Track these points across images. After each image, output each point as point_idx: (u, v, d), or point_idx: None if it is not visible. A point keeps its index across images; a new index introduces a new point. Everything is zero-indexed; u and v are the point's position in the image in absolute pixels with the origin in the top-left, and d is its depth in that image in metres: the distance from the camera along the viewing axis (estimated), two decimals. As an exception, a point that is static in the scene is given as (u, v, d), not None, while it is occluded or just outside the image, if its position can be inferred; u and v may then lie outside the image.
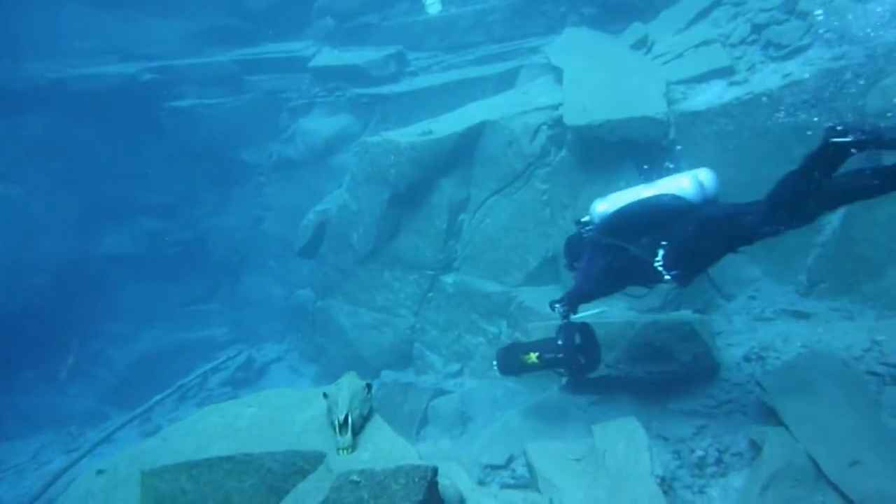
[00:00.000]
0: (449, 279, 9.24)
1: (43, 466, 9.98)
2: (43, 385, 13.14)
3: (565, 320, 5.09)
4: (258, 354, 13.18)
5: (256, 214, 14.49)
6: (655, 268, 4.41)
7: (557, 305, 5.12)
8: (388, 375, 9.45)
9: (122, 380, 13.70)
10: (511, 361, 5.34)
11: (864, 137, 3.48)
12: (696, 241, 4.34)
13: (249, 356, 12.78)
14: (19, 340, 12.52)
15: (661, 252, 4.41)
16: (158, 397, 11.11)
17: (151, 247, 14.68)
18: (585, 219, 5.04)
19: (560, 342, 4.99)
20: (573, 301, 5.10)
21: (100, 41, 14.02)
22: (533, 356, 5.12)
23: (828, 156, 3.69)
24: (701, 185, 4.52)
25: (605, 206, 4.82)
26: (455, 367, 9.17)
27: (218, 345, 14.12)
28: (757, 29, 8.13)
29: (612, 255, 4.74)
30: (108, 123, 13.57)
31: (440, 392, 8.70)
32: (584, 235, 5.00)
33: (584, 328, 5.14)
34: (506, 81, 11.11)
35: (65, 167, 13.75)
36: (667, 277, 4.40)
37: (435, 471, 2.79)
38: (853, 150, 3.55)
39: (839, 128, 3.57)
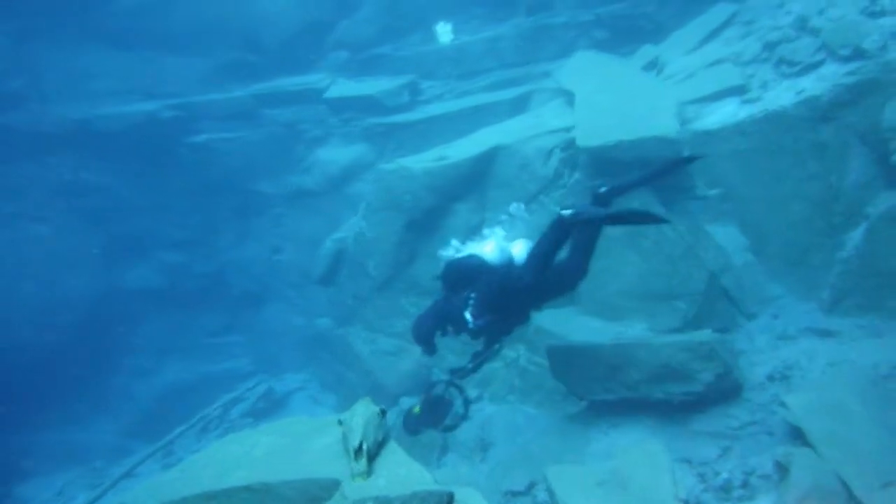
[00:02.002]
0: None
1: (68, 503, 10.02)
2: (68, 421, 13.26)
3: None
4: (279, 384, 13.19)
5: (275, 245, 14.62)
6: (465, 316, 5.09)
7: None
8: (406, 402, 9.38)
9: (145, 413, 13.75)
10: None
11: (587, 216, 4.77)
12: (495, 297, 5.05)
13: (270, 387, 12.80)
14: (46, 377, 12.70)
15: (470, 303, 5.09)
16: (180, 429, 11.14)
17: (173, 280, 14.86)
18: None
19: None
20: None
21: (121, 81, 14.38)
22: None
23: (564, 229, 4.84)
24: (502, 250, 5.31)
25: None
26: (474, 392, 9.08)
27: (240, 376, 14.14)
28: (769, 46, 8.12)
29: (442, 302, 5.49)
30: (130, 161, 13.88)
31: (460, 418, 8.60)
32: None
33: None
34: (518, 106, 11.20)
35: (89, 205, 14.05)
36: (471, 326, 5.11)
37: (451, 496, 2.76)
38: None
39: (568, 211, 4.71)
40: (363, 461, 2.90)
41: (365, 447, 2.93)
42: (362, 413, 3.11)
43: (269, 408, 12.28)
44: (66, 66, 13.87)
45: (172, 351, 14.57)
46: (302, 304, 13.85)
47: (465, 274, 5.27)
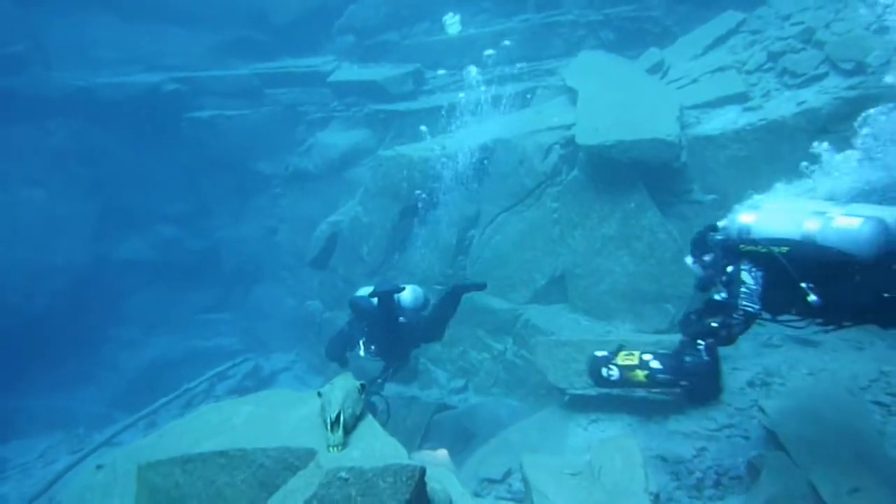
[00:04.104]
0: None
1: (48, 465, 10.06)
2: (55, 388, 13.27)
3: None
4: (266, 363, 13.23)
5: (271, 225, 14.63)
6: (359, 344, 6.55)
7: None
8: (391, 388, 9.42)
9: (131, 385, 13.79)
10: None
11: None
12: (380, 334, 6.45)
13: (257, 365, 12.84)
14: (35, 342, 12.70)
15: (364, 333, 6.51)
16: (164, 400, 11.18)
17: (167, 254, 14.88)
18: None
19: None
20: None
21: (126, 51, 14.37)
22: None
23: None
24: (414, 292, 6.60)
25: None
26: (460, 382, 9.15)
27: (228, 353, 14.17)
28: (773, 57, 8.16)
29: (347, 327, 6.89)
30: (130, 131, 13.89)
31: (444, 407, 8.67)
32: None
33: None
34: (522, 101, 11.19)
35: (87, 173, 14.06)
36: (362, 354, 6.52)
37: (423, 471, 2.80)
38: None
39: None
40: (339, 433, 2.93)
41: (342, 419, 2.97)
42: (342, 386, 3.14)
43: (256, 386, 12.31)
44: (70, 33, 13.85)
45: (161, 324, 14.61)
46: (294, 286, 13.87)
47: (357, 312, 6.62)
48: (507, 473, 5.42)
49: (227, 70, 14.41)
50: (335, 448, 2.89)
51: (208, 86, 14.28)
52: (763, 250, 3.61)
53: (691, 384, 4.42)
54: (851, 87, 6.86)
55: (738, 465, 4.63)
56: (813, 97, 7.15)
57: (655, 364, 4.47)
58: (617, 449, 4.21)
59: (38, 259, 13.35)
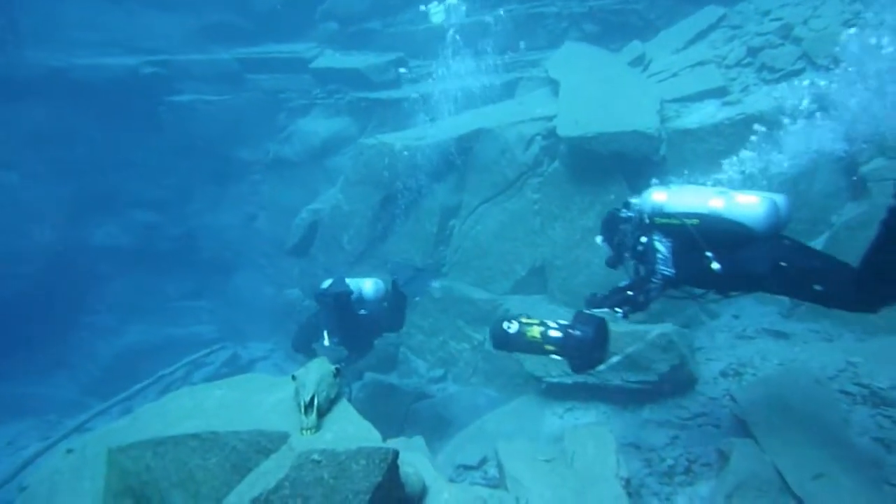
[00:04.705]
0: (436, 284, 9.26)
1: (18, 452, 9.91)
2: (26, 374, 13.06)
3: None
4: (244, 352, 13.13)
5: (250, 212, 14.50)
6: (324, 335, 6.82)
7: None
8: (371, 377, 9.43)
9: (105, 372, 13.61)
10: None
11: None
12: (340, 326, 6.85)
13: (235, 353, 12.74)
14: (5, 328, 12.47)
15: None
16: (139, 386, 11.06)
17: (143, 240, 14.67)
18: None
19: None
20: None
21: (103, 33, 14.08)
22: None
23: None
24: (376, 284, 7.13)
25: None
26: (439, 372, 9.17)
27: (205, 342, 14.02)
28: (752, 52, 8.26)
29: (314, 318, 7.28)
30: (107, 115, 13.61)
31: (422, 396, 8.68)
32: None
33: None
34: (505, 93, 11.20)
35: (61, 156, 13.77)
36: (326, 344, 6.78)
37: (396, 454, 2.81)
38: None
39: None
40: (313, 416, 2.93)
41: (316, 402, 2.96)
42: (317, 370, 3.14)
43: (233, 374, 12.15)
44: (44, 13, 13.52)
45: (137, 311, 14.41)
46: (273, 274, 13.78)
47: (320, 304, 6.95)
48: (483, 460, 5.47)
49: (207, 54, 14.20)
50: (309, 431, 2.89)
51: (188, 70, 14.07)
52: (676, 222, 4.07)
53: (571, 355, 4.49)
54: (828, 83, 6.94)
55: (709, 452, 4.70)
56: (790, 92, 7.23)
57: (553, 330, 4.50)
58: (590, 435, 4.27)
59: (9, 243, 13.06)
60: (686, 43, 9.47)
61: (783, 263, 3.76)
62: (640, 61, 9.80)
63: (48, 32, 13.68)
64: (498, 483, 4.66)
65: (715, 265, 3.89)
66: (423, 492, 3.23)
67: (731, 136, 7.37)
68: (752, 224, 3.86)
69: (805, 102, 5.91)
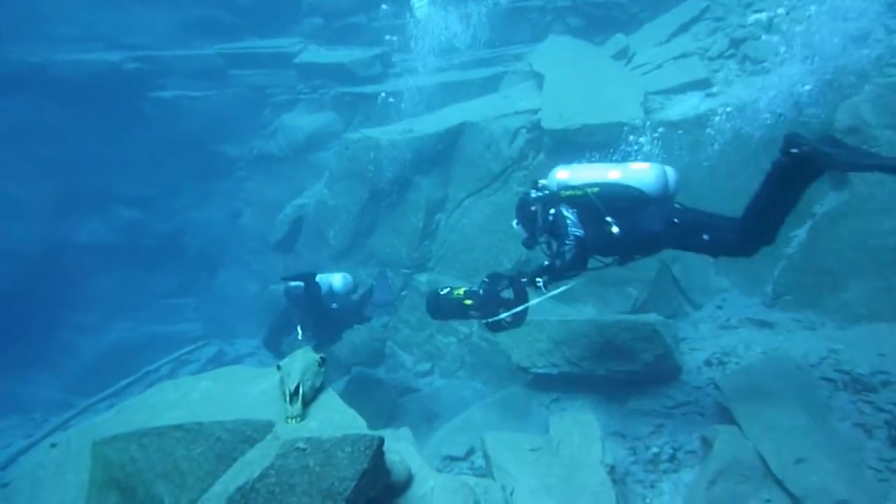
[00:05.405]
0: (423, 278, 9.27)
1: (2, 450, 9.79)
2: (9, 372, 12.91)
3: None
4: (230, 349, 13.04)
5: (235, 209, 14.40)
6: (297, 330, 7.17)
7: None
8: (358, 371, 9.42)
9: (89, 370, 13.48)
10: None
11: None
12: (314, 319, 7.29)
13: (221, 349, 12.65)
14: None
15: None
16: (124, 382, 10.97)
17: (127, 237, 14.52)
18: None
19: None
20: None
21: (84, 28, 13.88)
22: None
23: None
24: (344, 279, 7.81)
25: None
26: (426, 366, 9.17)
27: (191, 339, 13.90)
28: (735, 43, 8.32)
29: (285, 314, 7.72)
30: (89, 111, 13.43)
31: (409, 390, 8.68)
32: None
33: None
34: (489, 86, 11.20)
35: (43, 153, 13.57)
36: (300, 338, 7.04)
37: (381, 441, 2.81)
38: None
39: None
40: (298, 404, 2.93)
41: (301, 391, 2.96)
42: (302, 359, 3.13)
43: (219, 371, 12.15)
44: (24, 7, 13.30)
45: (122, 309, 14.29)
46: (258, 270, 13.70)
47: (291, 300, 7.32)
48: (470, 451, 5.49)
49: (190, 50, 14.06)
50: (294, 420, 2.89)
51: (171, 65, 13.92)
52: (580, 193, 4.50)
53: (485, 307, 4.96)
54: (808, 74, 7.02)
55: (694, 440, 4.76)
56: (771, 83, 7.30)
57: (474, 289, 5.07)
58: (575, 423, 4.29)
59: (-8, 241, 12.94)
60: (669, 35, 9.52)
61: (675, 220, 4.25)
62: (624, 54, 9.84)
63: (28, 28, 13.46)
64: (485, 473, 4.68)
65: (615, 229, 4.32)
66: (410, 479, 3.24)
67: (714, 127, 7.44)
68: (644, 187, 4.31)
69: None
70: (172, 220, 14.86)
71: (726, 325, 6.88)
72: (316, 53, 13.39)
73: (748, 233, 3.97)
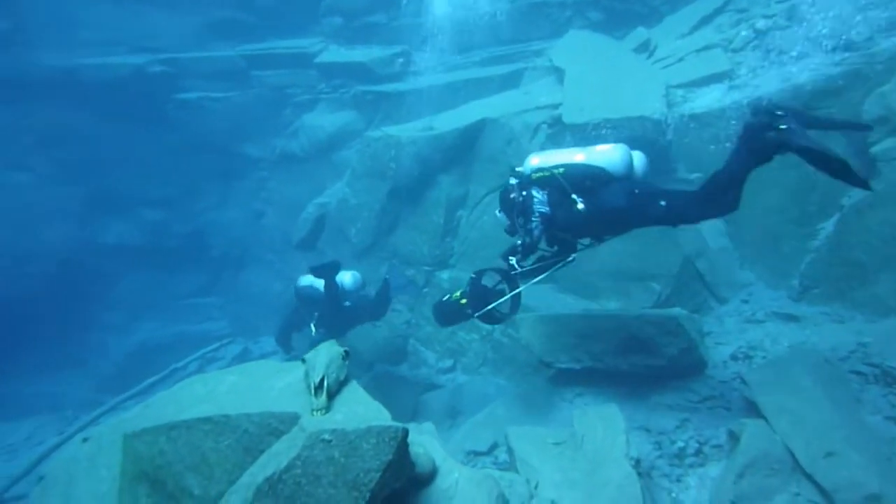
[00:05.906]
0: (445, 275, 9.28)
1: (36, 446, 10.04)
2: (41, 372, 13.21)
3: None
4: (255, 347, 13.21)
5: (258, 209, 14.56)
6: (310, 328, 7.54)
7: None
8: (380, 368, 9.48)
9: (119, 369, 13.71)
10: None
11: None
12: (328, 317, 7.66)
13: (246, 347, 12.82)
14: (20, 327, 12.61)
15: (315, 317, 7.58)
16: (152, 380, 11.17)
17: (153, 238, 14.77)
18: None
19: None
20: None
21: (110, 32, 14.13)
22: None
23: None
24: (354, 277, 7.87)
25: None
26: (448, 362, 9.18)
27: (216, 338, 14.13)
28: (759, 34, 8.19)
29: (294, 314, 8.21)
30: (115, 114, 13.68)
31: (432, 386, 8.71)
32: None
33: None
34: (510, 83, 11.17)
35: (71, 156, 13.87)
36: (314, 335, 7.37)
37: (405, 432, 2.82)
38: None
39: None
40: (323, 397, 2.96)
41: (326, 384, 2.99)
42: (326, 352, 3.16)
43: (244, 368, 12.30)
44: (52, 13, 13.58)
45: (148, 309, 14.53)
46: (282, 269, 13.84)
47: (306, 300, 7.69)
48: (493, 446, 5.49)
49: (212, 52, 14.24)
50: (319, 412, 2.91)
51: (194, 68, 14.11)
52: (547, 174, 4.84)
53: (475, 300, 5.18)
54: (836, 64, 6.89)
55: (720, 434, 4.71)
56: (797, 74, 7.18)
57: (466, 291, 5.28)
58: (599, 417, 4.27)
59: (23, 243, 13.21)
60: (691, 28, 9.40)
61: (636, 191, 4.54)
62: (645, 48, 9.75)
63: (55, 33, 13.74)
64: (508, 467, 4.68)
65: (580, 206, 4.62)
66: (434, 471, 3.25)
67: (738, 120, 7.33)
68: (607, 166, 4.65)
69: None
70: (196, 221, 15.09)
71: (752, 320, 6.76)
72: (336, 53, 13.48)
73: (705, 197, 4.19)
